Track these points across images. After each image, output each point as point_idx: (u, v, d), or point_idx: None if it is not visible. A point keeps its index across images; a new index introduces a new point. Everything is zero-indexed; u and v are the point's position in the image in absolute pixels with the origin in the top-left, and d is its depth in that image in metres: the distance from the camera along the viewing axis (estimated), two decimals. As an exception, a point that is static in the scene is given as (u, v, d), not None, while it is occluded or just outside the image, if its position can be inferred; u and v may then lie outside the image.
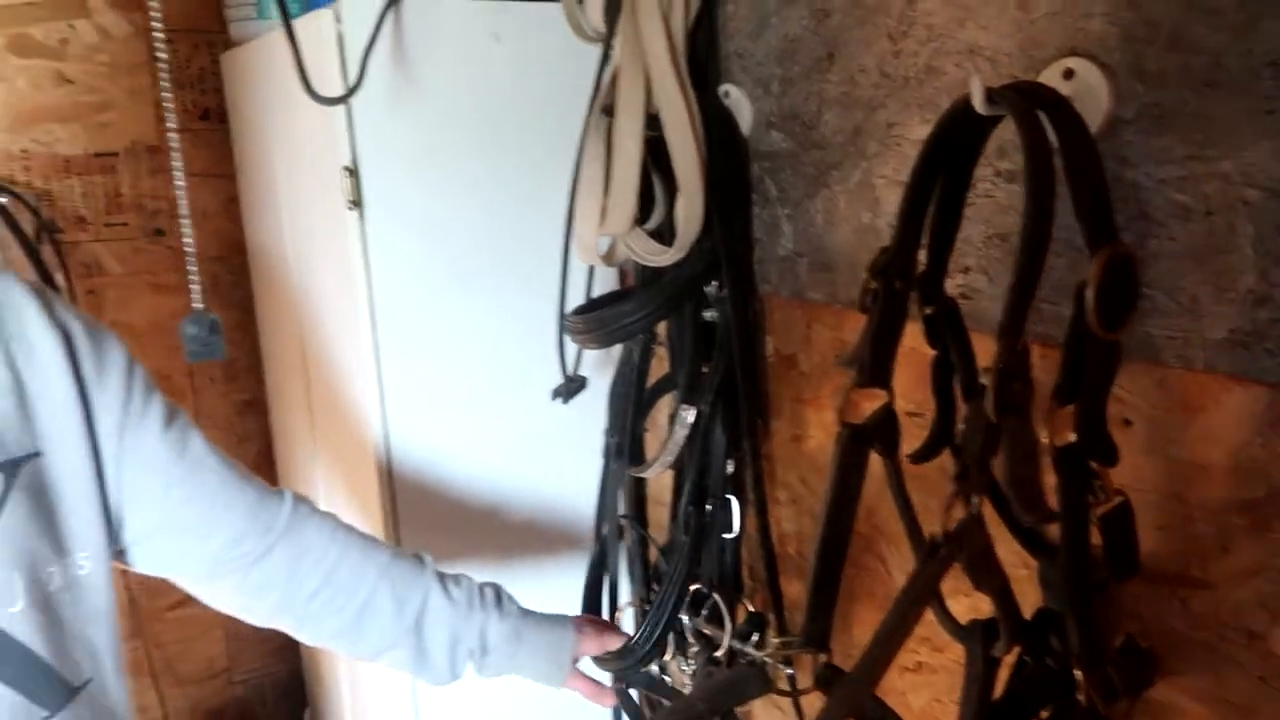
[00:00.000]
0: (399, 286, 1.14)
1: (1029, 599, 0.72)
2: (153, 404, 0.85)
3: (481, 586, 0.96)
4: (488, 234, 1.19)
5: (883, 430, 0.76)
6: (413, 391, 1.17)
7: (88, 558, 0.80)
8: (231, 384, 1.71)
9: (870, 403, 0.75)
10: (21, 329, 0.79)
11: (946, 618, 0.76)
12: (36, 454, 0.77)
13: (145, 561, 0.86)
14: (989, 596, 0.71)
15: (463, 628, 0.93)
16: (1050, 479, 0.66)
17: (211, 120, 1.63)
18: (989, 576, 0.70)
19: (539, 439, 1.26)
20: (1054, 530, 0.69)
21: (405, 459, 1.18)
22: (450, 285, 1.18)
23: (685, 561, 1.08)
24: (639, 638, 1.05)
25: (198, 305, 1.03)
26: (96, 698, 0.79)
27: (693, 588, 1.10)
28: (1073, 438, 0.65)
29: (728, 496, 1.08)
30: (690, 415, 1.06)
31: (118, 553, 0.84)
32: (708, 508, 1.08)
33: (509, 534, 1.26)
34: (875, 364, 0.75)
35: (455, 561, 1.12)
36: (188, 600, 1.66)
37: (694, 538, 1.09)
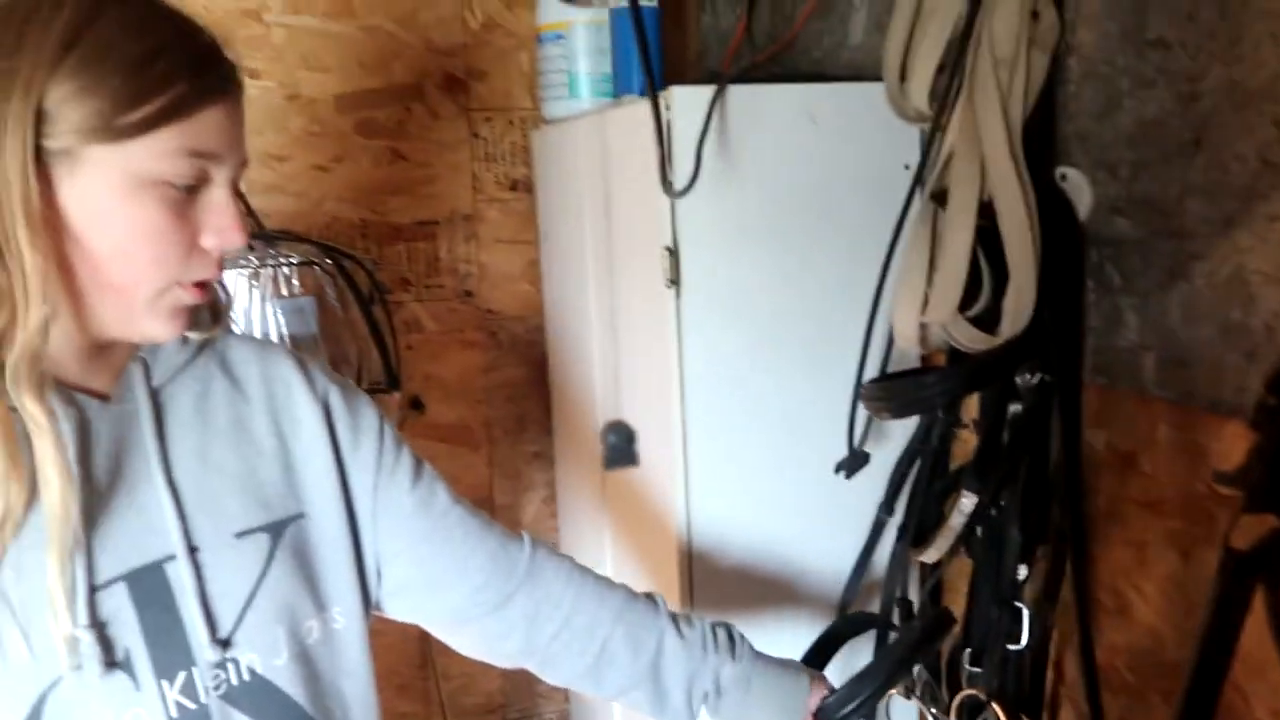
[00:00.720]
0: (708, 361, 1.17)
1: None
2: (402, 460, 0.90)
3: (714, 627, 0.94)
4: (794, 313, 1.20)
5: (1272, 559, 0.69)
6: (713, 461, 1.20)
7: (342, 613, 0.84)
8: (522, 435, 1.82)
9: (1259, 528, 0.69)
10: (289, 401, 0.85)
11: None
12: (300, 516, 0.82)
13: (398, 611, 0.91)
14: None
15: (698, 669, 0.92)
16: None
17: (519, 191, 1.76)
18: None
19: (832, 513, 1.25)
20: None
21: (703, 527, 1.20)
22: (755, 361, 1.19)
23: (903, 647, 1.01)
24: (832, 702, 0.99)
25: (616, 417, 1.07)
26: None
27: (964, 693, 1.04)
28: None
29: (1018, 605, 1.02)
30: (970, 504, 1.01)
31: (375, 605, 0.89)
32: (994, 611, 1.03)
33: (803, 604, 1.25)
34: (1267, 486, 0.68)
35: (751, 632, 1.13)
36: (473, 637, 1.77)
37: (927, 629, 1.02)
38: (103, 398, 0.75)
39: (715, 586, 1.21)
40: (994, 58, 0.91)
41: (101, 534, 0.71)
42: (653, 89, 1.11)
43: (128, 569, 0.72)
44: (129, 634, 0.70)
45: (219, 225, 0.72)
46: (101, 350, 0.75)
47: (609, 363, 1.43)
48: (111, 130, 0.67)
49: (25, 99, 0.66)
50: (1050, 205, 0.96)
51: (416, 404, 1.73)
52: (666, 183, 1.10)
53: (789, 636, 1.24)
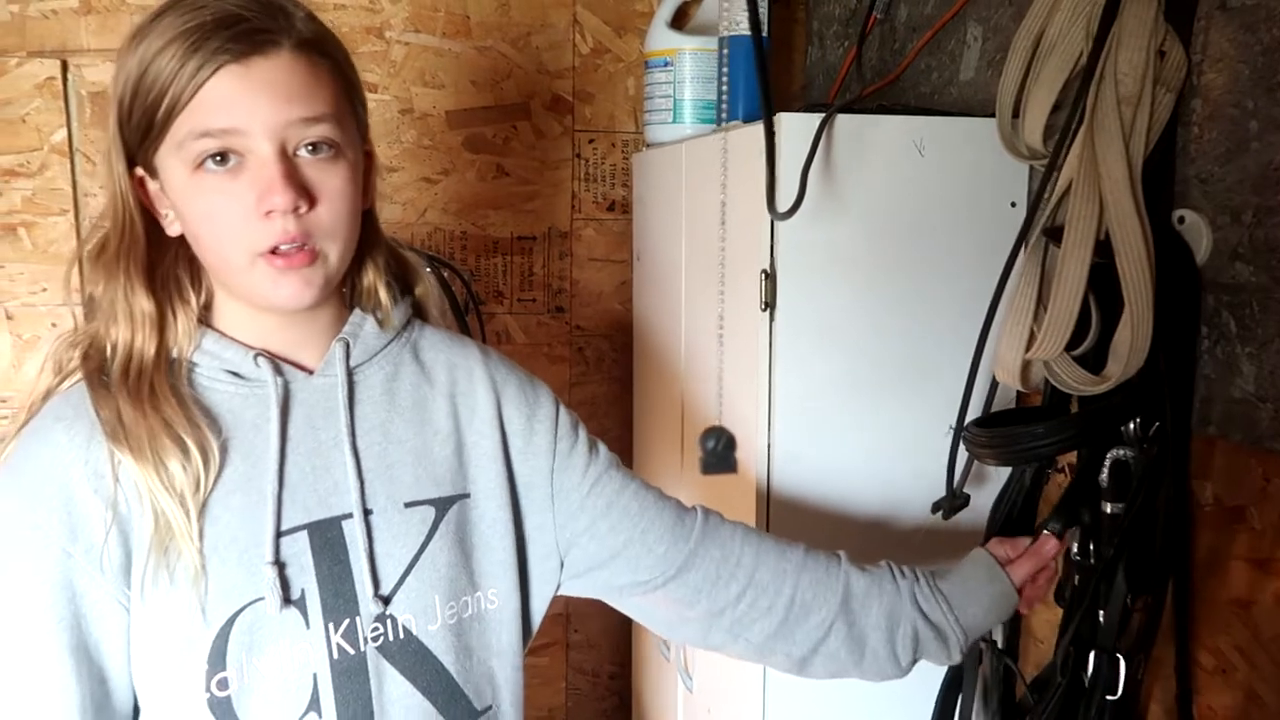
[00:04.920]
0: (798, 386, 1.17)
1: None
2: (579, 444, 0.96)
3: (899, 566, 0.96)
4: (887, 345, 1.19)
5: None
6: (796, 489, 1.19)
7: (496, 594, 0.89)
8: (603, 453, 1.84)
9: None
10: (469, 389, 0.92)
11: None
12: (465, 496, 0.88)
13: (585, 589, 0.96)
14: None
15: (893, 603, 0.93)
16: None
17: (616, 211, 1.79)
18: None
19: (929, 556, 1.23)
20: None
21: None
22: (845, 390, 1.19)
23: (1057, 704, 0.99)
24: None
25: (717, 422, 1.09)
26: None
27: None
28: None
29: (1117, 654, 0.98)
30: (1070, 547, 0.99)
31: (557, 588, 0.94)
32: (1091, 659, 1.00)
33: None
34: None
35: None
36: (540, 649, 1.78)
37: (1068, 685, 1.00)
38: (308, 371, 0.84)
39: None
40: (1118, 95, 0.90)
41: (292, 487, 0.80)
42: (768, 112, 1.12)
43: (311, 520, 0.80)
44: (305, 577, 0.79)
45: (263, 190, 0.75)
46: (303, 327, 0.84)
47: (698, 385, 1.43)
48: (150, 135, 0.76)
49: (113, 126, 0.78)
50: (1166, 248, 0.94)
51: (502, 414, 1.76)
52: (771, 205, 1.10)
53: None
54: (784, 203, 1.11)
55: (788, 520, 1.18)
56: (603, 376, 1.81)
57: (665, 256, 1.57)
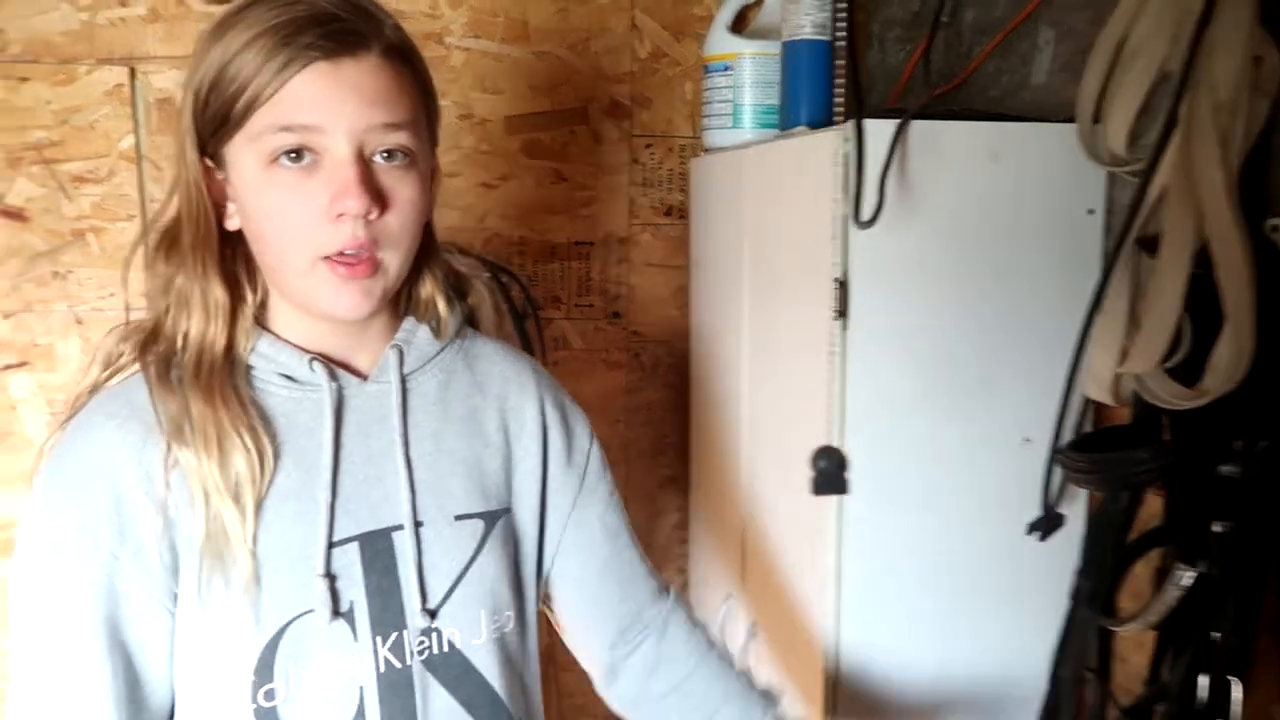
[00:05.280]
0: (872, 395, 1.16)
1: None
2: (602, 486, 0.98)
3: None
4: (964, 354, 1.17)
5: None
6: (869, 502, 1.17)
7: (529, 605, 0.91)
8: (658, 459, 1.83)
9: None
10: (520, 404, 0.92)
11: None
12: (508, 510, 0.89)
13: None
14: None
15: None
16: None
17: (673, 217, 1.78)
18: None
19: (1002, 570, 1.21)
20: None
21: (854, 571, 1.18)
22: (921, 401, 1.17)
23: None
24: None
25: (827, 441, 1.10)
26: None
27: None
28: None
29: (1229, 677, 0.96)
30: (1188, 578, 0.96)
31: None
32: (1200, 683, 0.97)
33: (955, 665, 1.21)
34: None
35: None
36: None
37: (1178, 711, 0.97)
38: (361, 376, 0.83)
39: (862, 633, 1.19)
40: (1214, 101, 0.88)
41: (345, 496, 0.79)
42: (859, 116, 1.10)
43: (361, 531, 0.79)
44: (354, 589, 0.78)
45: (337, 192, 0.74)
46: (356, 333, 0.83)
47: (760, 392, 1.42)
48: (225, 126, 0.74)
49: (189, 104, 0.76)
50: (1261, 257, 0.91)
51: (559, 420, 1.76)
52: (856, 214, 1.09)
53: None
54: (863, 210, 1.09)
55: (862, 535, 1.17)
56: (659, 383, 1.80)
57: (724, 262, 1.56)
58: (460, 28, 1.67)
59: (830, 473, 1.10)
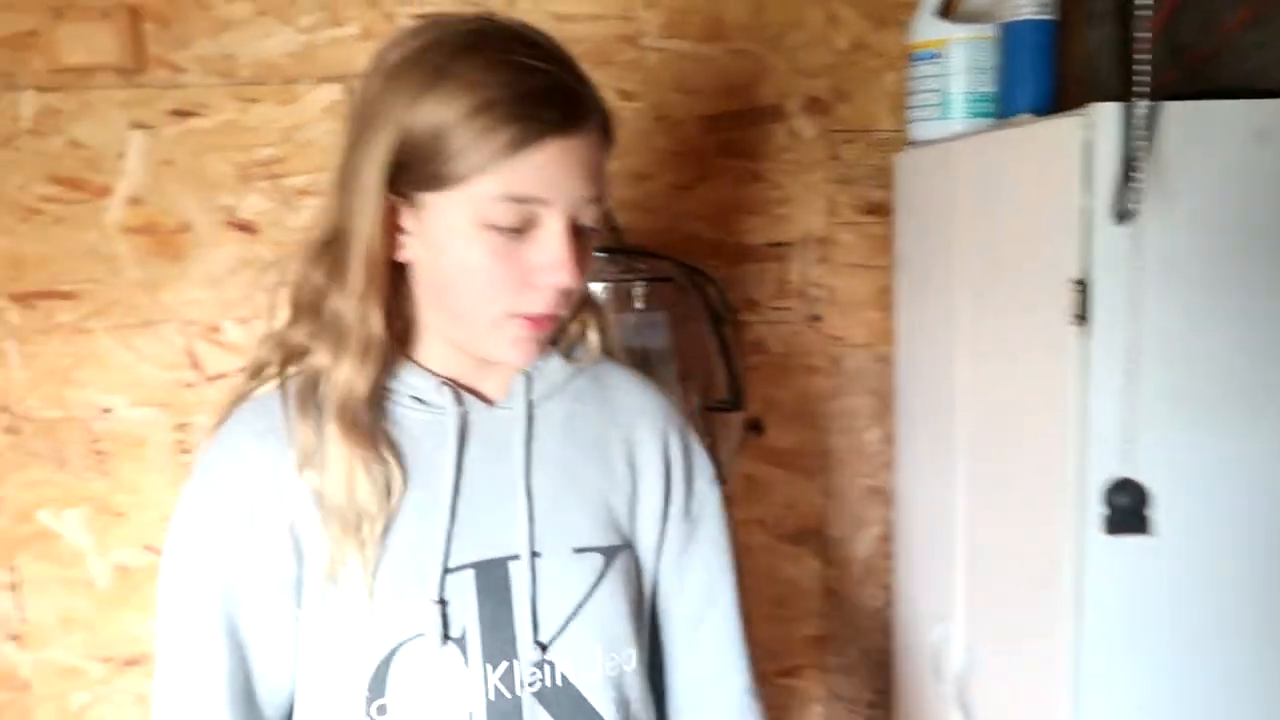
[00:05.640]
0: (1119, 408, 1.04)
1: None
2: (718, 537, 0.93)
3: None
4: (1226, 362, 1.04)
5: None
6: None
7: (645, 646, 0.87)
8: (859, 468, 1.75)
9: None
10: (646, 439, 0.89)
11: None
12: (629, 546, 0.86)
13: None
14: None
15: None
16: None
17: (875, 215, 1.70)
18: None
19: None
20: None
21: (1097, 602, 1.07)
22: (1177, 412, 1.05)
23: None
24: None
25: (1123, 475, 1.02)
26: None
27: None
28: None
29: None
30: None
31: None
32: None
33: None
34: None
35: None
36: (793, 671, 1.72)
37: None
38: (488, 401, 0.83)
39: (1110, 688, 1.07)
40: None
41: (463, 522, 0.78)
42: (1128, 96, 1.00)
43: (478, 558, 0.78)
44: (467, 616, 0.77)
45: (548, 264, 0.74)
46: (489, 361, 0.82)
47: (978, 402, 1.33)
48: (436, 179, 0.72)
49: (382, 148, 0.73)
50: None
51: (756, 426, 1.71)
52: (1121, 206, 0.99)
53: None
54: (1102, 204, 0.99)
55: (1109, 565, 1.06)
56: (861, 389, 1.72)
57: (933, 261, 1.47)
58: (655, 29, 1.66)
59: (1129, 509, 1.00)
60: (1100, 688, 1.07)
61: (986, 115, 1.45)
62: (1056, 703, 1.09)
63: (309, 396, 0.77)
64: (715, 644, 0.92)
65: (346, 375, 0.76)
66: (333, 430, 0.75)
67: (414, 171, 0.73)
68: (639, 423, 0.89)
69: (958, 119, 1.48)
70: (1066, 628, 1.07)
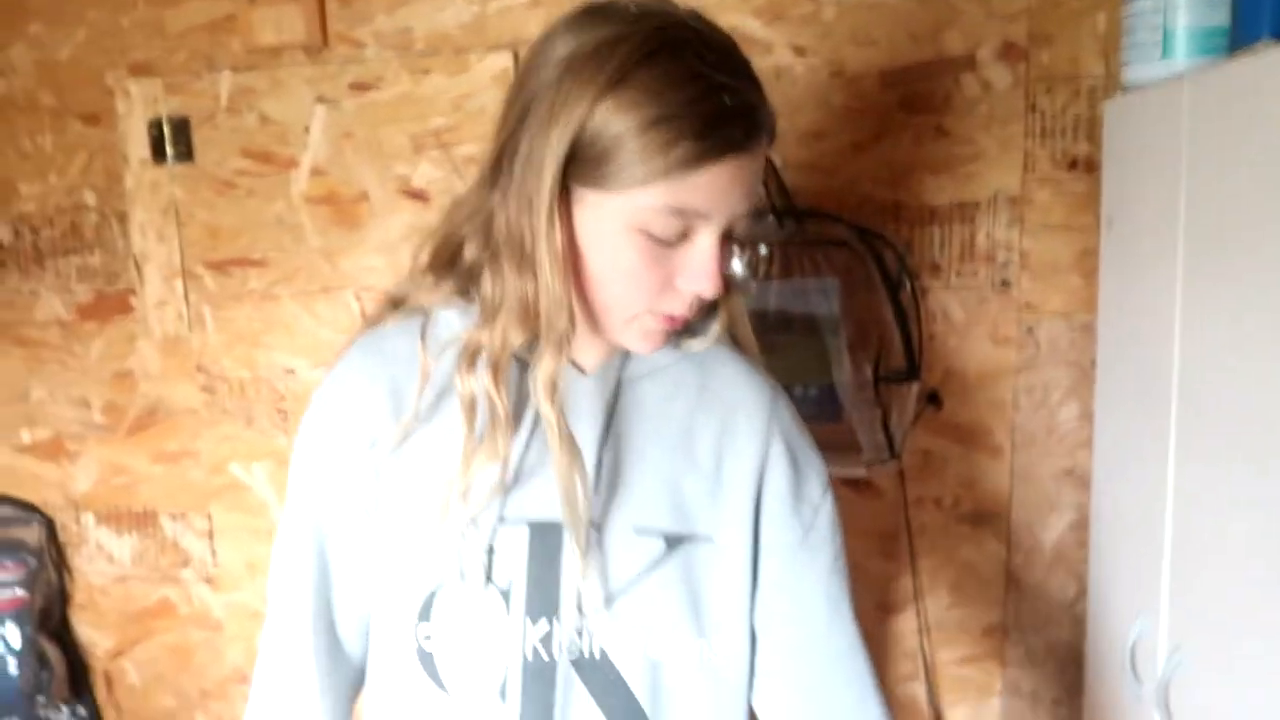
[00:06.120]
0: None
1: None
2: (829, 546, 0.86)
3: None
4: None
5: None
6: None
7: (723, 646, 0.83)
8: (1052, 449, 1.61)
9: None
10: (743, 433, 0.85)
11: None
12: (708, 539, 0.82)
13: None
14: None
15: None
16: None
17: (1078, 170, 1.54)
18: None
19: None
20: None
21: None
22: None
23: None
24: None
25: None
26: None
27: None
28: None
29: None
30: None
31: None
32: None
33: None
34: None
35: None
36: (969, 660, 1.61)
37: None
38: (581, 370, 0.83)
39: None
40: None
41: (528, 479, 0.80)
42: None
43: (536, 518, 0.79)
44: (515, 569, 0.79)
45: (694, 273, 0.75)
46: (598, 335, 0.82)
47: (1199, 380, 1.18)
48: (602, 180, 0.72)
49: (560, 142, 0.72)
50: None
51: (934, 398, 1.60)
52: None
53: None
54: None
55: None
56: (1057, 361, 1.58)
57: (1149, 220, 1.32)
58: (833, -22, 1.56)
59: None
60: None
61: (1216, 52, 1.28)
62: (1276, 711, 0.96)
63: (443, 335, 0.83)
64: (844, 664, 0.87)
65: (502, 339, 0.79)
66: (456, 373, 0.80)
67: (581, 167, 0.73)
68: (738, 415, 0.86)
69: (1181, 58, 1.31)
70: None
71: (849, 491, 1.66)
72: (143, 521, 1.83)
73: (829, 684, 0.86)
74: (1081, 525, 1.61)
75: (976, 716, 1.73)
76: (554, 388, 0.77)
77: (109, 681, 1.89)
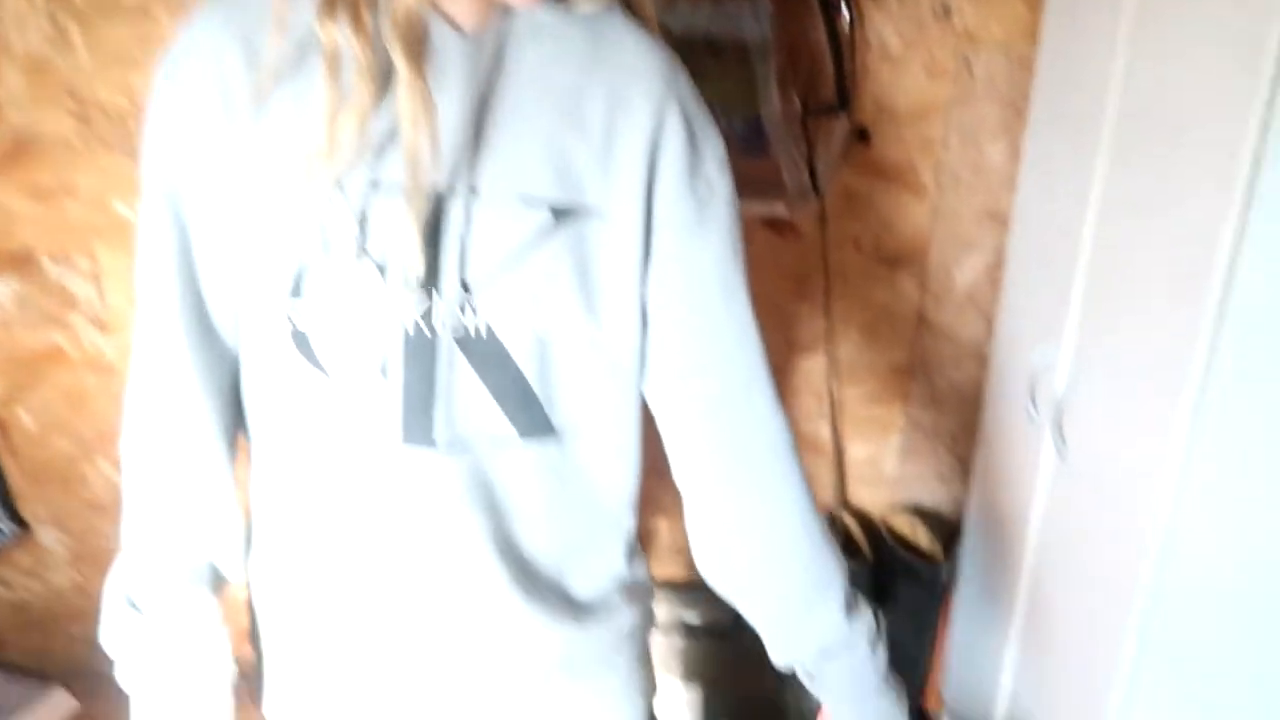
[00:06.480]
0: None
1: None
2: (726, 233, 0.82)
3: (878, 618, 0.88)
4: None
5: None
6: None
7: (611, 327, 0.80)
8: (977, 185, 1.58)
9: None
10: (635, 101, 0.78)
11: None
12: (597, 214, 0.77)
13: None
14: None
15: (839, 651, 0.86)
16: None
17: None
18: None
19: None
20: None
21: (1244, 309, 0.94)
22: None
23: None
24: None
25: None
26: (572, 451, 0.82)
27: None
28: None
29: None
30: None
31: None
32: None
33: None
34: None
35: None
36: (873, 399, 1.66)
37: None
38: (458, 30, 0.75)
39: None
40: None
41: (400, 144, 0.72)
42: None
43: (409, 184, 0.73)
44: (390, 240, 0.73)
45: None
46: None
47: (1134, 121, 1.14)
48: None
49: None
50: None
51: (863, 134, 1.54)
52: None
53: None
54: None
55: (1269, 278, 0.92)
56: (993, 97, 1.51)
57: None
58: None
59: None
60: (1222, 418, 0.97)
61: None
62: (1168, 428, 1.00)
63: None
64: (732, 356, 0.84)
65: None
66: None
67: None
68: (631, 83, 0.78)
69: None
70: (1200, 346, 0.96)
71: (769, 234, 1.63)
72: (21, 262, 1.70)
73: (721, 370, 0.84)
74: (997, 266, 1.61)
75: (877, 452, 1.81)
76: (408, 28, 0.70)
77: (3, 428, 1.83)
